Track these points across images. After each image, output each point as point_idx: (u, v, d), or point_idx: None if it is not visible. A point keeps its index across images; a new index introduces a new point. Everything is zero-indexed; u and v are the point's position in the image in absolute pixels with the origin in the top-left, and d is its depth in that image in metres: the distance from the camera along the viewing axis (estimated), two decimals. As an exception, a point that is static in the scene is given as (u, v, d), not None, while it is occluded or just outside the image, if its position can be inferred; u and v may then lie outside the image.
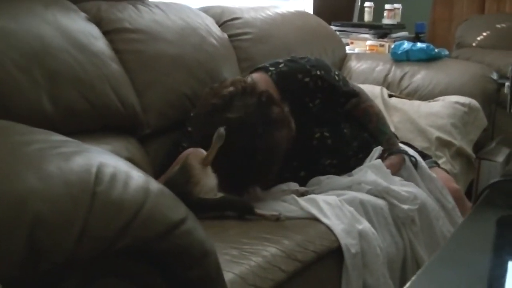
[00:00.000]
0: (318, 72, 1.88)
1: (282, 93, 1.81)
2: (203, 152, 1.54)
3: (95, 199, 0.84)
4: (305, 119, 1.84)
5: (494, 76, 2.71)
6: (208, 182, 1.52)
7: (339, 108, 1.96)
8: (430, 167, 1.96)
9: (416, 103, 2.52)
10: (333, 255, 1.48)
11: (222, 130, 1.48)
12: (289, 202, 1.62)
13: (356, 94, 1.99)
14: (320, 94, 1.89)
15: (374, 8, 3.61)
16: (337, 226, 1.51)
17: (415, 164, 1.91)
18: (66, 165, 0.86)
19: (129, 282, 0.94)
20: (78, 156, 0.89)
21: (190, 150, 1.59)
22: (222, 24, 2.36)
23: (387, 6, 3.58)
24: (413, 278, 0.72)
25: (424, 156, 2.06)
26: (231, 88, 1.67)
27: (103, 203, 0.84)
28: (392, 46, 2.91)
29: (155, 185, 0.94)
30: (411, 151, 1.97)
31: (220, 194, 1.53)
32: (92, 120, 1.67)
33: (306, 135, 1.85)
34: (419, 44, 2.81)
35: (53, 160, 0.86)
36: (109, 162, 0.91)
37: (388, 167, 1.83)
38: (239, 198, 1.58)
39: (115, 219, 0.85)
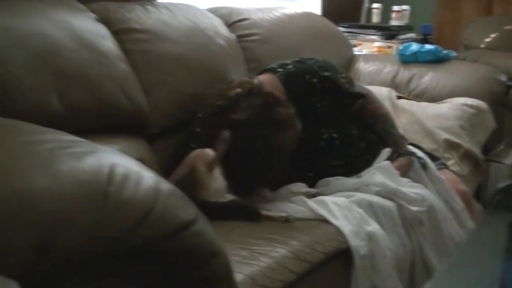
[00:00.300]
0: (326, 73, 1.88)
1: (289, 93, 1.81)
2: (210, 153, 1.53)
3: (107, 199, 0.83)
4: (312, 119, 1.84)
5: (502, 78, 2.69)
6: (215, 186, 1.51)
7: (346, 109, 1.95)
8: (438, 169, 1.96)
9: (424, 104, 2.51)
10: (341, 256, 1.48)
11: (226, 134, 1.47)
12: (297, 203, 1.61)
13: (362, 96, 1.98)
14: (328, 95, 1.89)
15: (382, 10, 3.61)
16: (346, 227, 1.51)
17: (424, 165, 1.90)
18: (78, 165, 0.86)
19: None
20: (90, 156, 0.89)
21: (197, 151, 1.58)
22: (230, 25, 2.36)
23: (395, 8, 3.57)
24: (427, 285, 0.71)
25: (433, 157, 2.05)
26: (238, 90, 1.67)
27: (115, 203, 0.84)
28: (400, 47, 2.89)
29: (166, 185, 0.94)
30: (419, 153, 1.96)
31: (229, 197, 1.52)
32: (100, 120, 1.67)
33: (313, 136, 1.85)
34: (427, 46, 2.79)
35: (64, 160, 0.86)
36: (120, 163, 0.91)
37: (396, 169, 1.82)
38: (246, 202, 1.57)
39: (126, 219, 0.85)
